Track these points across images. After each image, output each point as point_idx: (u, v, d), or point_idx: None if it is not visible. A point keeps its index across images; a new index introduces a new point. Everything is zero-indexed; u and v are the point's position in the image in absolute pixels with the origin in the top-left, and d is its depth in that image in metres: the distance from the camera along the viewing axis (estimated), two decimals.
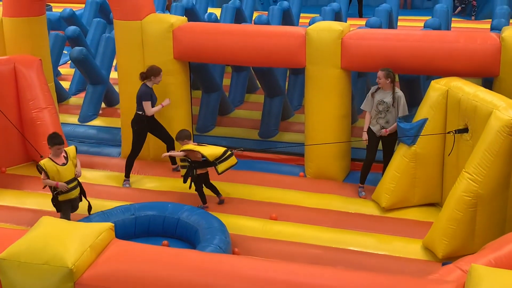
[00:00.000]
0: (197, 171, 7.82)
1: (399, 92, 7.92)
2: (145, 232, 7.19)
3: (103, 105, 11.15)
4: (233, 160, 7.81)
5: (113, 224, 4.50)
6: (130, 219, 7.15)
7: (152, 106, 8.47)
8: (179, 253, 4.38)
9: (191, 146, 7.84)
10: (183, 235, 7.11)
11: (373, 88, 8.03)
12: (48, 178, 6.97)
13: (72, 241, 4.22)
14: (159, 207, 7.32)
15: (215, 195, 8.03)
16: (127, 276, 4.12)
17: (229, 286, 3.96)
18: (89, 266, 4.19)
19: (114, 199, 8.05)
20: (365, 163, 8.16)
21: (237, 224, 7.46)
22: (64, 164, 7.01)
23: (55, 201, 7.09)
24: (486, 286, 3.43)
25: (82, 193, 7.26)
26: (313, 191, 8.29)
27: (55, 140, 6.99)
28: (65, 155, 7.08)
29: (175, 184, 8.52)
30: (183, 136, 8.01)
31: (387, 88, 7.83)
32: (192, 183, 7.91)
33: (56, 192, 7.01)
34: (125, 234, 6.85)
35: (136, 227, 7.15)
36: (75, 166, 7.17)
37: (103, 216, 7.03)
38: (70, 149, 7.20)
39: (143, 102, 8.39)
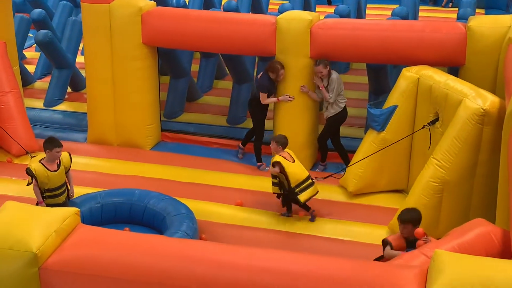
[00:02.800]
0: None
1: (334, 74, 8.19)
2: (112, 219, 7.13)
3: (69, 89, 10.99)
4: (315, 189, 7.29)
5: (79, 210, 4.45)
6: (96, 207, 7.07)
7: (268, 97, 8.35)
8: (145, 238, 4.36)
9: (280, 158, 7.15)
10: (151, 222, 7.07)
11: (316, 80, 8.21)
12: (38, 184, 6.66)
13: (36, 226, 4.16)
14: (126, 194, 7.26)
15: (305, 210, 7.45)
16: (92, 261, 4.09)
17: (193, 270, 3.96)
18: (54, 251, 4.15)
19: (80, 184, 7.95)
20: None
21: (205, 210, 7.45)
22: (55, 171, 6.72)
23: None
24: (449, 271, 3.49)
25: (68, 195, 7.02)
26: None
27: (55, 142, 6.64)
28: (58, 161, 6.78)
29: (143, 169, 8.47)
30: (281, 141, 7.30)
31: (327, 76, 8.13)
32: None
33: (43, 196, 6.73)
34: (91, 222, 6.78)
35: (102, 214, 7.08)
36: (67, 171, 6.92)
37: (70, 205, 6.93)
38: (65, 156, 6.89)
39: (260, 92, 8.32)
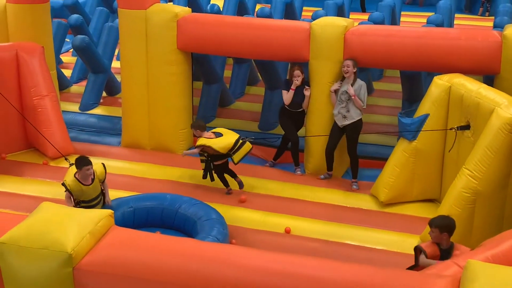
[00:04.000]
0: (215, 163, 7.91)
1: (361, 82, 8.07)
2: (144, 223, 7.19)
3: (104, 94, 11.15)
4: (247, 146, 7.90)
5: (113, 211, 4.52)
6: (129, 211, 7.15)
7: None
8: (177, 241, 4.40)
9: (204, 140, 7.82)
10: (182, 227, 7.12)
11: (335, 85, 8.09)
12: (72, 196, 6.77)
13: (71, 226, 4.24)
14: (158, 198, 7.33)
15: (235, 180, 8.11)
16: (126, 262, 4.14)
17: (225, 274, 3.98)
18: (88, 251, 4.21)
19: (114, 188, 8.05)
20: (325, 150, 8.31)
21: (236, 215, 7.48)
22: (89, 185, 6.81)
23: None
24: (482, 281, 3.45)
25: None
26: (312, 185, 8.32)
27: (83, 161, 6.70)
28: (93, 176, 6.84)
29: (175, 173, 8.54)
30: (196, 125, 8.05)
31: (352, 77, 7.98)
32: (214, 175, 7.99)
33: (79, 206, 6.79)
34: (124, 225, 6.83)
35: (134, 218, 7.16)
36: (101, 182, 7.01)
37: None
38: (98, 168, 6.97)
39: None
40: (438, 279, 3.85)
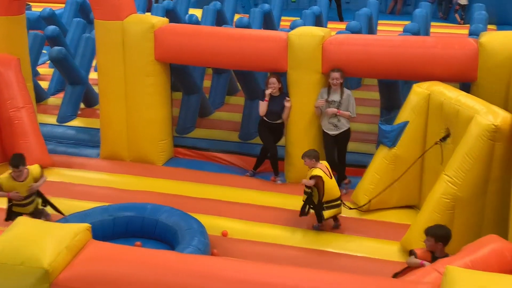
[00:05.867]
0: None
1: (348, 91, 8.15)
2: (124, 233, 7.14)
3: (82, 105, 11.07)
4: (339, 210, 7.33)
5: (90, 225, 4.46)
6: (108, 220, 7.10)
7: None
8: (156, 254, 4.36)
9: (320, 172, 7.13)
10: (162, 237, 7.07)
11: (320, 101, 8.10)
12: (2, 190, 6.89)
13: (48, 241, 4.18)
14: (138, 208, 7.28)
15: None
16: (103, 277, 4.09)
17: (204, 287, 3.95)
18: (65, 267, 4.16)
19: (93, 200, 7.99)
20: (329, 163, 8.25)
21: (217, 225, 7.45)
22: (22, 181, 6.89)
23: (8, 211, 6.99)
24: (460, 286, 3.46)
25: (46, 204, 7.13)
26: (293, 194, 8.31)
27: (12, 161, 6.85)
28: (27, 175, 6.94)
29: (155, 184, 8.49)
30: (313, 155, 7.26)
31: (339, 88, 8.04)
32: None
33: (10, 204, 6.94)
34: (103, 235, 6.80)
35: (114, 228, 7.11)
36: (36, 181, 7.05)
37: (81, 217, 6.97)
38: (35, 168, 7.06)
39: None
40: (418, 285, 3.85)
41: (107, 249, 4.32)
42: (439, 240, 5.57)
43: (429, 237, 5.59)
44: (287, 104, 8.33)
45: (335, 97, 8.10)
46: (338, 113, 8.02)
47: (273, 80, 8.30)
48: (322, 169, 7.19)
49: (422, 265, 5.45)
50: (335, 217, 7.41)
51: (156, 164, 9.21)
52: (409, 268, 5.58)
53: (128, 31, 8.80)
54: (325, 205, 7.20)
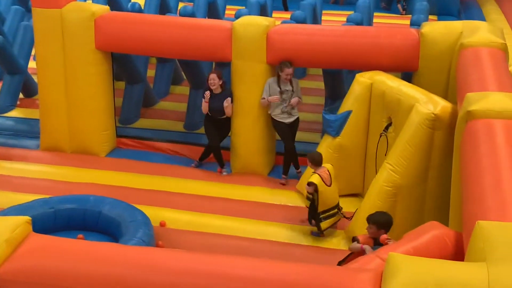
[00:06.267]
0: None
1: (295, 79, 8.29)
2: (65, 226, 7.00)
3: (21, 95, 10.77)
4: (337, 218, 7.17)
5: (30, 218, 4.36)
6: (49, 212, 6.94)
7: None
8: (98, 246, 4.29)
9: (317, 179, 6.90)
10: (105, 229, 6.96)
11: (272, 83, 8.11)
12: None
13: None
14: (80, 200, 7.14)
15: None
16: (45, 270, 4.00)
17: (150, 278, 3.91)
18: (5, 260, 4.05)
19: (33, 192, 7.80)
20: (288, 151, 8.36)
21: (162, 216, 7.39)
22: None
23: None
24: (403, 273, 3.52)
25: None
26: (238, 184, 8.33)
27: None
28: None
29: (98, 176, 8.35)
30: (311, 158, 7.09)
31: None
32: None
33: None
34: (44, 228, 6.64)
35: (55, 220, 6.95)
36: None
37: (21, 210, 6.78)
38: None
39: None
40: (361, 273, 3.91)
41: (48, 242, 4.23)
42: (381, 227, 5.69)
43: (371, 224, 5.70)
44: (225, 104, 8.28)
45: (287, 86, 8.12)
46: (294, 104, 8.09)
47: (212, 76, 8.22)
48: (321, 175, 6.95)
49: (362, 250, 5.57)
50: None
51: (99, 155, 9.05)
52: (352, 255, 5.68)
53: (67, 19, 8.60)
54: (321, 216, 6.98)
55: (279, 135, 8.41)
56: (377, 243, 5.64)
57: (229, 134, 8.66)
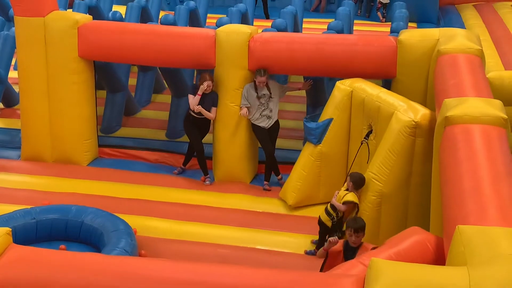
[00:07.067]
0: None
1: (272, 81, 8.31)
2: (47, 237, 6.93)
3: (1, 105, 10.67)
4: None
5: (10, 229, 4.30)
6: (31, 223, 6.86)
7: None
8: (80, 256, 4.25)
9: (355, 198, 6.61)
10: (88, 239, 6.90)
11: (249, 88, 8.14)
12: None
13: None
14: (62, 210, 7.07)
15: None
16: (26, 282, 3.95)
17: None
18: None
19: (14, 203, 7.71)
20: (269, 157, 8.34)
21: (144, 225, 7.35)
22: None
23: None
24: (385, 278, 3.53)
25: None
26: (221, 192, 8.31)
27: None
28: None
29: (80, 186, 8.29)
30: (354, 179, 6.66)
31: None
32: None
33: None
34: (25, 239, 6.58)
35: (37, 231, 6.88)
36: None
37: (1, 221, 6.70)
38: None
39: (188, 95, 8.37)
40: (344, 278, 3.92)
41: (29, 253, 4.18)
42: (361, 232, 5.72)
43: (349, 231, 5.72)
44: (212, 112, 8.32)
45: (264, 91, 8.17)
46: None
47: (208, 83, 8.18)
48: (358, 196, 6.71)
49: (327, 251, 5.74)
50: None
51: (81, 165, 8.99)
52: (327, 260, 5.73)
53: (50, 28, 8.56)
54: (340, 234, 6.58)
55: (259, 140, 8.41)
56: (351, 248, 5.68)
57: (209, 138, 8.64)
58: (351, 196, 6.68)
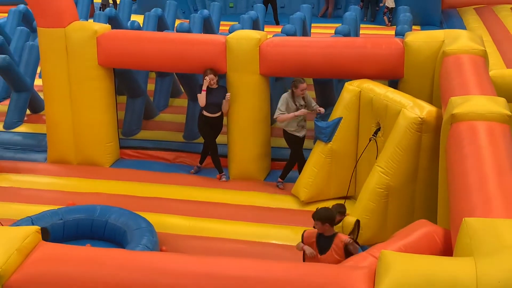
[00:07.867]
0: None
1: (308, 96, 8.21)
2: (74, 236, 6.99)
3: (28, 111, 10.77)
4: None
5: (40, 228, 4.35)
6: (58, 223, 6.92)
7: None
8: (106, 252, 4.28)
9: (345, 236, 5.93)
10: (112, 237, 6.95)
11: (288, 99, 8.03)
12: None
13: None
14: (87, 210, 7.13)
15: None
16: (55, 277, 3.99)
17: (157, 281, 3.91)
18: (16, 269, 4.04)
19: (42, 203, 7.78)
20: (297, 163, 8.29)
21: (165, 222, 7.38)
22: None
23: None
24: (395, 270, 3.53)
25: None
26: (236, 190, 8.32)
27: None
28: None
29: (103, 186, 8.34)
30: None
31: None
32: None
33: None
34: (53, 238, 6.63)
35: (64, 231, 6.94)
36: None
37: (31, 220, 6.77)
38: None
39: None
40: (356, 270, 3.92)
41: (57, 250, 4.22)
42: (325, 222, 5.72)
43: (316, 221, 5.76)
44: (227, 98, 8.28)
45: (301, 101, 8.06)
46: (322, 112, 7.96)
47: (211, 77, 8.21)
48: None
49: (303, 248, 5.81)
50: None
51: (104, 166, 9.05)
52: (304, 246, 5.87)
53: (70, 38, 8.62)
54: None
55: (292, 148, 8.28)
56: (324, 237, 5.74)
57: (224, 135, 8.67)
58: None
